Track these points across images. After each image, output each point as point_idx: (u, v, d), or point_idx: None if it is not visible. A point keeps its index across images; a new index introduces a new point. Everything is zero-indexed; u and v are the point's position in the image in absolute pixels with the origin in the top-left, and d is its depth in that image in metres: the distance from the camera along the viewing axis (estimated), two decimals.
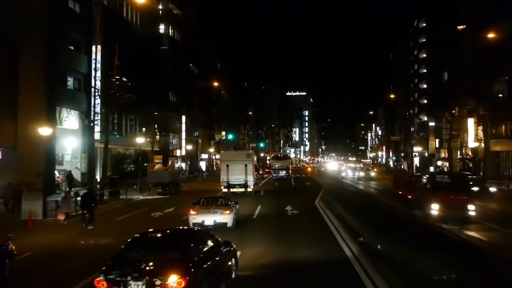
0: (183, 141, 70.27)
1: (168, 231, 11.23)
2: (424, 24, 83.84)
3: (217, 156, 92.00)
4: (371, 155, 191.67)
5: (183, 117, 70.59)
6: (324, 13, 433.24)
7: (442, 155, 69.20)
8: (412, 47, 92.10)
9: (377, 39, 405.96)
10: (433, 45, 74.27)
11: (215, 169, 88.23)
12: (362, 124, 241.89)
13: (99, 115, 37.71)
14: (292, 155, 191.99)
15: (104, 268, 8.95)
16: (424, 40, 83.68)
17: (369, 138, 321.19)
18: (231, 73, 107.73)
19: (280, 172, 62.02)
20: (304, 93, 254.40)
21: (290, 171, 65.87)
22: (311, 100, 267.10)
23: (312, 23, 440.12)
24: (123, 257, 9.31)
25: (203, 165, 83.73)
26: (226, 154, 43.63)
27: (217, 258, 10.28)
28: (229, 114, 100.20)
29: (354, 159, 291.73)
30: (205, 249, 10.07)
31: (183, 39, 72.50)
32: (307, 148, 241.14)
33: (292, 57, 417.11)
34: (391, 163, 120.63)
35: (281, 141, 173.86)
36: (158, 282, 8.45)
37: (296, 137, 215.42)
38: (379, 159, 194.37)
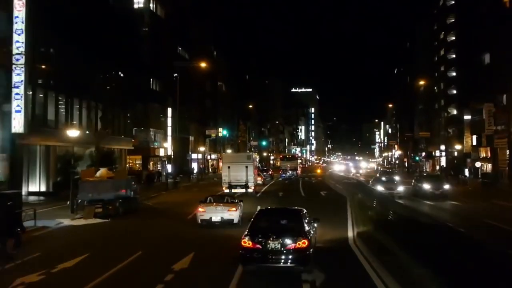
0: (169, 138, 58.56)
1: (286, 209, 15.99)
2: (453, 1, 71.70)
3: (213, 156, 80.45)
4: (385, 154, 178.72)
5: (169, 110, 58.85)
6: (332, 4, 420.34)
7: (482, 154, 57.08)
8: (437, 30, 79.97)
9: (388, 31, 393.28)
10: (467, 25, 62.09)
11: (210, 170, 76.48)
12: (376, 121, 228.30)
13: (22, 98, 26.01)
14: (298, 154, 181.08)
15: (246, 233, 12.21)
16: (453, 20, 71.53)
17: (377, 137, 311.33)
18: (230, 64, 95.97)
19: (288, 173, 64.26)
20: (310, 90, 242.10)
21: (298, 172, 66.86)
22: (317, 97, 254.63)
23: (319, 15, 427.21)
24: (256, 227, 12.54)
25: (195, 166, 72.05)
26: (227, 156, 45.90)
27: (313, 229, 13.59)
28: (227, 109, 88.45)
29: (361, 158, 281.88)
30: (307, 222, 13.24)
31: (169, 17, 60.66)
32: (313, 147, 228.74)
33: (297, 51, 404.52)
34: (403, 163, 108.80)
35: (286, 140, 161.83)
36: (289, 241, 11.74)
37: (302, 135, 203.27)
38: (389, 159, 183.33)
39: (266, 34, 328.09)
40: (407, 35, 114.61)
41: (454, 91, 72.13)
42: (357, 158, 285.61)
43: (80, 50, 36.09)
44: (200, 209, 19.40)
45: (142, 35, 52.79)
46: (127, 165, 53.40)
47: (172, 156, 61.71)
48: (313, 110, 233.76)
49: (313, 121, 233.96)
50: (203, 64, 51.26)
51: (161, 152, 56.26)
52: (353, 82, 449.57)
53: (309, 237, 12.16)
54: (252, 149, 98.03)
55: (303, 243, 11.63)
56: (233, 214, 19.05)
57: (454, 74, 72.30)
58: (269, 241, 11.66)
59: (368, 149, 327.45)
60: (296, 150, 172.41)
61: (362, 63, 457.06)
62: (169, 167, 59.19)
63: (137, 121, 51.06)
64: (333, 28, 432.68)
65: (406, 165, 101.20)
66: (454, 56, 72.12)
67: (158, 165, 57.77)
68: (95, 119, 42.03)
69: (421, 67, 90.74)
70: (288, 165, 66.16)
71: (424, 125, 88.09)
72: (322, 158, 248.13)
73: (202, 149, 67.19)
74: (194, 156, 72.03)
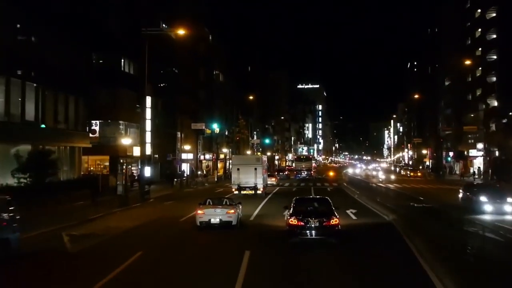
0: (148, 135, 47.05)
1: (315, 197, 22.06)
2: None
3: (207, 156, 68.78)
4: (398, 154, 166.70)
5: (148, 99, 47.24)
6: None
7: None
8: (471, 7, 68.10)
9: (401, 22, 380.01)
10: None
11: (204, 172, 64.80)
12: (393, 116, 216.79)
13: None
14: (305, 154, 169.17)
15: (290, 213, 16.10)
16: None
17: (386, 136, 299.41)
18: (229, 53, 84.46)
19: (302, 173, 66.34)
20: (317, 86, 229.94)
21: (312, 172, 68.42)
22: (324, 93, 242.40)
23: (325, 9, 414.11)
24: (296, 210, 16.33)
25: (187, 168, 60.44)
26: (237, 158, 44.15)
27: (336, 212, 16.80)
28: (225, 102, 76.82)
29: (369, 158, 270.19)
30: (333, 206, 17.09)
31: None
32: (320, 147, 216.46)
33: (303, 45, 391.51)
34: (423, 163, 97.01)
35: (292, 138, 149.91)
36: (325, 220, 15.51)
37: (309, 133, 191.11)
38: (401, 159, 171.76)
39: (271, 27, 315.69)
40: (426, 21, 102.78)
41: (494, 78, 60.34)
42: (364, 158, 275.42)
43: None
44: (199, 211, 19.32)
45: (112, 1, 41.35)
46: (90, 168, 41.94)
47: (154, 156, 50.33)
48: (320, 107, 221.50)
49: (320, 119, 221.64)
50: (181, 32, 38.96)
51: (136, 152, 44.55)
52: (361, 79, 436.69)
53: (338, 217, 16.17)
54: (254, 148, 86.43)
55: (334, 221, 15.66)
56: (231, 216, 19.13)
57: (494, 57, 60.44)
58: (310, 220, 15.52)
59: (376, 148, 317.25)
60: (303, 149, 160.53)
61: (370, 59, 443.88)
62: (147, 170, 47.62)
63: (101, 111, 39.57)
64: (340, 22, 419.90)
65: (429, 166, 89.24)
66: (494, 36, 60.29)
67: (134, 168, 46.23)
68: (35, 106, 30.49)
69: (446, 55, 78.86)
70: (303, 166, 68.81)
71: (453, 120, 76.20)
72: (329, 157, 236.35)
73: (187, 147, 55.30)
74: (184, 156, 60.44)
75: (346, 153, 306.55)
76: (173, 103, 54.94)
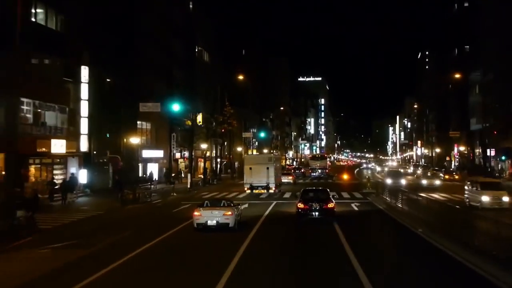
0: (83, 122, 32.02)
1: (318, 188, 24.63)
2: None
3: (186, 154, 53.39)
4: (411, 152, 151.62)
5: (84, 69, 32.20)
6: None
7: None
8: None
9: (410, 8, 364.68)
10: None
11: (182, 175, 49.59)
12: (398, 112, 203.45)
13: None
14: (307, 151, 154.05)
15: (298, 200, 21.00)
16: None
17: (390, 133, 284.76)
18: (218, 29, 69.58)
19: (317, 172, 65.51)
20: (320, 79, 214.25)
21: (327, 171, 67.62)
22: (327, 87, 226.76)
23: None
24: (303, 197, 21.24)
25: (154, 170, 45.46)
26: (249, 157, 44.31)
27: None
28: (212, 87, 61.50)
29: (371, 155, 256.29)
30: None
31: None
32: (323, 143, 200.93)
33: (305, 36, 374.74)
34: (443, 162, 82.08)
35: (293, 134, 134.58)
36: (324, 204, 20.32)
37: (311, 129, 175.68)
38: (408, 157, 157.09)
39: (269, 15, 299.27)
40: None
41: None
42: (367, 155, 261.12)
43: None
44: (196, 213, 18.88)
45: None
46: None
47: (94, 154, 35.11)
48: (323, 101, 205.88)
49: (323, 114, 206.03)
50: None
51: (58, 148, 29.27)
52: (363, 74, 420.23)
53: (334, 202, 21.28)
54: (250, 144, 71.51)
55: (331, 205, 20.49)
56: (228, 218, 18.69)
57: None
58: (313, 204, 20.37)
59: (379, 146, 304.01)
60: (305, 146, 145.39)
61: (373, 53, 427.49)
62: (82, 175, 32.48)
63: None
64: (341, 12, 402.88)
65: (457, 166, 74.02)
66: None
67: (60, 172, 31.10)
68: None
69: (482, 27, 63.73)
70: (318, 164, 68.46)
71: (493, 111, 60.92)
72: (331, 155, 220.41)
73: (133, 140, 39.81)
74: (151, 154, 45.37)
75: (348, 150, 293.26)
76: (132, 82, 39.81)
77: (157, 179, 43.81)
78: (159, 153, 45.75)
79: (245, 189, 36.48)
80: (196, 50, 58.23)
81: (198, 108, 51.37)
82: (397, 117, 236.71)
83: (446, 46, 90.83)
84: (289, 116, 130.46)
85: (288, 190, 38.50)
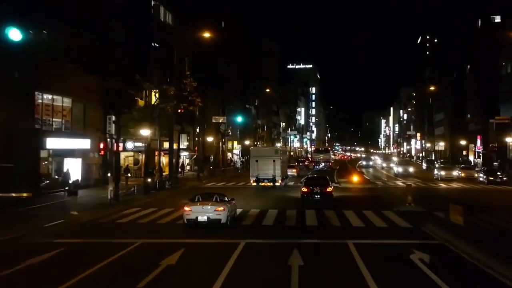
0: None
1: (320, 176, 31.54)
2: None
3: (129, 145, 38.54)
4: (412, 145, 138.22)
5: None
6: None
7: None
8: None
9: None
10: None
11: (124, 172, 35.09)
12: (393, 103, 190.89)
13: None
14: (297, 144, 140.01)
15: (303, 185, 26.65)
16: None
17: (383, 126, 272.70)
18: None
19: (320, 165, 69.45)
20: (310, 66, 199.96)
21: (330, 164, 71.53)
22: (318, 76, 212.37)
23: None
24: (307, 182, 27.00)
25: (78, 168, 31.03)
26: (255, 150, 43.43)
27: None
28: (170, 54, 46.61)
29: (362, 149, 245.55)
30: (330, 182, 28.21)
31: None
32: (313, 135, 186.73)
33: (294, 21, 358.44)
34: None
35: (282, 124, 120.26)
36: (323, 188, 25.63)
37: (301, 120, 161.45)
38: (403, 151, 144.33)
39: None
40: None
41: None
42: (357, 149, 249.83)
43: None
44: (186, 208, 18.30)
45: None
46: None
47: None
48: (314, 90, 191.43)
49: (313, 104, 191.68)
50: None
51: None
52: (353, 64, 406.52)
53: (332, 187, 26.90)
54: (222, 129, 57.10)
55: (330, 189, 25.63)
56: (220, 213, 18.10)
57: None
58: (314, 188, 25.36)
59: (370, 139, 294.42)
60: (294, 137, 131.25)
61: (364, 40, 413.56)
62: None
63: None
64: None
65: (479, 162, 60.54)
66: None
67: None
68: None
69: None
70: (321, 157, 72.21)
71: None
72: (323, 148, 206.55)
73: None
74: (66, 144, 30.94)
75: (338, 143, 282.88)
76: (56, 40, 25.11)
77: (79, 181, 29.49)
78: (83, 143, 31.25)
79: (251, 181, 36.49)
80: (152, 3, 43.44)
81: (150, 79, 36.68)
82: (391, 108, 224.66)
83: (462, 21, 76.85)
84: (277, 104, 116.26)
85: (292, 182, 41.12)
